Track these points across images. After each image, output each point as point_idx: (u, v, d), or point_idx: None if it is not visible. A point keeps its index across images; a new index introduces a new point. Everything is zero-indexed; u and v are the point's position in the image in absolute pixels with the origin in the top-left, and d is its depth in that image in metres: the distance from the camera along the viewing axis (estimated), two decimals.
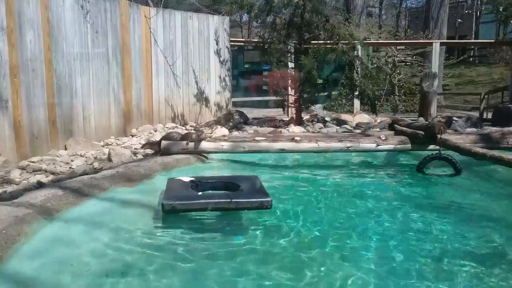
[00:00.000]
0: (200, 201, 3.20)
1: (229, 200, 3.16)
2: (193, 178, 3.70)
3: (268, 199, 3.17)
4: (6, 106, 4.64)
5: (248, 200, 3.21)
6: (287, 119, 8.81)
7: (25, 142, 4.91)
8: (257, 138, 5.45)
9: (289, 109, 9.41)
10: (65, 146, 5.52)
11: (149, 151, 5.46)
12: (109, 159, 5.02)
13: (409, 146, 5.35)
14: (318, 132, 7.45)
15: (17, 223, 2.75)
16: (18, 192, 3.65)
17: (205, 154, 5.34)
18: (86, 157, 5.20)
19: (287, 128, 7.51)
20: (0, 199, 3.47)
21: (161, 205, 3.09)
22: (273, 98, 10.48)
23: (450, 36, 15.76)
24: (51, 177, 4.29)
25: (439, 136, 4.93)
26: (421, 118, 7.68)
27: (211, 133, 6.98)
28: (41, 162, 4.80)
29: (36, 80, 5.08)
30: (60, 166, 4.70)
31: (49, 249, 2.62)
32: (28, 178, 4.21)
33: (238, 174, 4.32)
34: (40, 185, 3.90)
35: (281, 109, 10.82)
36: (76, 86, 5.82)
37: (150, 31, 7.55)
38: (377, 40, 13.33)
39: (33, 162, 4.75)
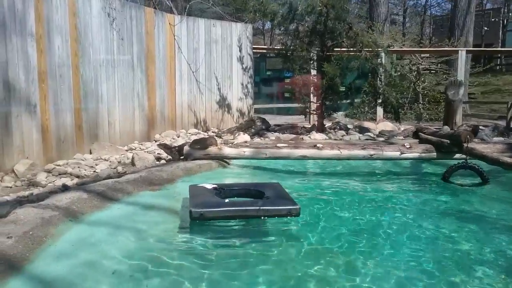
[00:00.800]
0: (229, 208, 3.12)
1: (258, 207, 3.09)
2: (216, 185, 3.65)
3: (297, 206, 3.11)
4: (34, 110, 4.75)
5: (276, 207, 3.14)
6: (309, 126, 8.78)
7: (51, 146, 5.01)
8: (278, 145, 5.44)
9: (311, 116, 9.38)
10: (90, 150, 5.62)
11: (168, 156, 5.51)
12: (133, 163, 5.08)
13: (434, 154, 5.25)
14: (341, 139, 7.39)
15: (43, 224, 2.81)
16: (44, 194, 3.73)
17: (227, 160, 5.35)
18: (110, 161, 5.28)
19: (309, 135, 7.48)
20: (27, 201, 3.55)
21: (188, 212, 3.02)
22: (295, 105, 10.47)
23: (476, 44, 15.48)
24: (76, 180, 4.37)
25: (465, 144, 4.82)
26: (446, 127, 7.56)
27: (232, 139, 7.01)
28: (66, 165, 4.89)
29: (63, 86, 5.19)
30: (85, 170, 4.78)
31: (75, 250, 2.65)
32: (54, 181, 4.30)
33: (259, 180, 4.31)
34: (65, 188, 3.97)
35: (303, 116, 10.79)
36: (101, 92, 5.93)
37: (175, 39, 7.65)
38: (401, 47, 13.19)
39: (58, 165, 4.85)
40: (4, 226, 2.73)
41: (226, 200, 3.31)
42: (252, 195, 3.57)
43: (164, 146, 5.65)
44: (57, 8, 5.06)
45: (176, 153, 5.29)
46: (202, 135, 7.58)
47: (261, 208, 3.08)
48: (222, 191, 3.57)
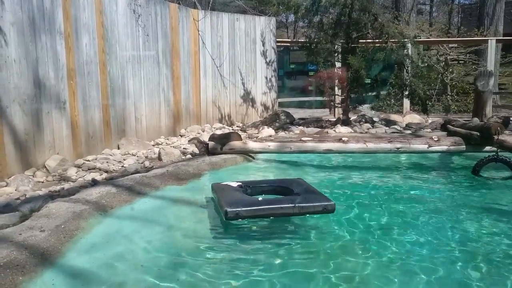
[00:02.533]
0: (264, 206, 3.03)
1: (293, 205, 3.02)
2: (240, 183, 3.57)
3: (332, 202, 3.06)
4: (64, 107, 4.87)
5: (312, 204, 3.07)
6: (334, 119, 8.70)
7: (81, 141, 5.13)
8: (303, 139, 5.42)
9: (336, 109, 9.29)
10: (118, 145, 5.73)
11: (196, 150, 5.56)
12: (159, 158, 5.16)
13: (463, 147, 5.14)
14: (366, 132, 7.31)
15: (74, 218, 2.89)
16: (75, 189, 3.82)
17: (252, 154, 5.37)
18: (137, 156, 5.37)
19: (334, 129, 7.42)
20: (59, 195, 3.65)
21: (224, 212, 2.94)
22: (320, 98, 10.40)
23: (507, 33, 14.95)
24: (104, 175, 4.46)
25: (496, 137, 4.70)
26: (476, 119, 7.38)
27: (257, 133, 7.02)
28: (95, 160, 5.00)
29: (91, 82, 5.30)
30: (113, 165, 4.87)
31: (105, 243, 2.72)
32: (83, 176, 4.40)
33: (287, 175, 4.30)
34: (94, 183, 4.06)
35: (327, 110, 10.70)
36: (128, 88, 6.02)
37: (199, 34, 7.69)
38: (428, 38, 12.91)
39: (88, 160, 4.96)
40: (37, 220, 2.82)
41: (260, 198, 3.21)
42: (278, 192, 3.52)
43: (197, 141, 5.73)
44: (84, 7, 5.15)
45: (206, 148, 5.32)
46: (227, 129, 7.62)
47: (297, 205, 3.02)
48: (248, 188, 3.51)
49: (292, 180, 3.76)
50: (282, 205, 3.05)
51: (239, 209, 2.94)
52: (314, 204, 3.08)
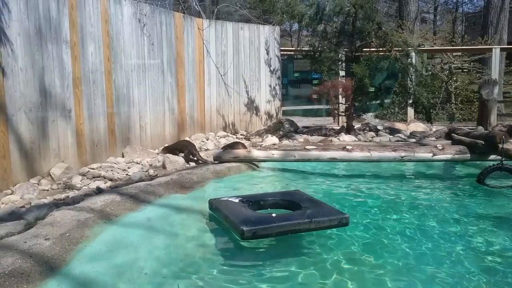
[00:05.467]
0: (281, 223, 2.86)
1: (309, 220, 2.90)
2: (240, 197, 3.42)
3: (346, 215, 2.99)
4: (69, 115, 4.90)
5: (327, 218, 2.95)
6: (338, 127, 8.71)
7: (86, 149, 5.15)
8: (307, 147, 5.42)
9: (340, 117, 9.29)
10: (123, 153, 5.75)
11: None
12: (164, 166, 5.17)
13: (468, 156, 5.12)
14: (370, 141, 7.30)
15: (79, 226, 2.89)
16: (79, 197, 3.84)
17: (256, 163, 5.37)
18: (142, 164, 5.38)
19: (338, 137, 7.42)
20: (64, 203, 3.66)
21: (240, 232, 2.77)
22: (323, 106, 10.41)
23: (511, 41, 14.97)
24: (109, 183, 4.47)
25: (500, 145, 4.69)
26: (480, 127, 7.36)
27: (261, 142, 7.03)
28: (100, 168, 5.02)
29: (97, 91, 5.33)
30: (118, 173, 4.89)
31: (109, 251, 2.72)
32: (88, 184, 4.41)
33: (290, 183, 4.27)
34: (99, 191, 4.07)
35: (331, 118, 10.71)
36: (133, 96, 6.05)
37: (203, 42, 7.74)
38: (432, 46, 12.92)
39: (92, 168, 4.98)
40: (42, 228, 2.83)
41: (273, 215, 3.04)
42: (283, 206, 3.42)
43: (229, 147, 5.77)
44: (90, 16, 5.20)
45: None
46: (231, 137, 7.63)
47: (313, 220, 2.90)
48: (250, 203, 3.35)
49: (292, 192, 3.68)
50: (299, 221, 2.90)
51: (256, 227, 2.76)
52: (330, 218, 2.97)
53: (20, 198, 3.84)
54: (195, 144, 6.08)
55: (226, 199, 3.41)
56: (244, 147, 5.45)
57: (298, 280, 2.47)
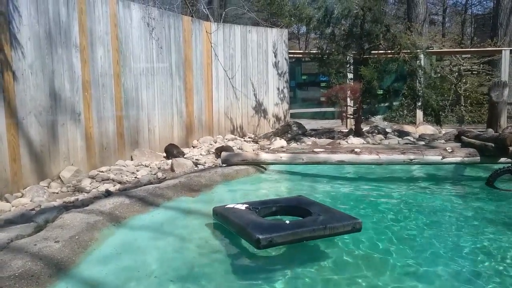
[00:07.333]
0: (297, 230, 2.79)
1: (324, 226, 2.84)
2: (246, 204, 3.31)
3: (359, 220, 2.94)
4: (79, 118, 4.94)
5: (341, 224, 2.90)
6: (346, 130, 8.68)
7: (95, 152, 5.18)
8: (315, 150, 5.42)
9: (348, 120, 9.26)
10: (131, 156, 5.77)
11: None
12: (172, 169, 5.18)
13: (477, 158, 5.08)
14: (379, 143, 7.26)
15: (88, 229, 2.91)
16: (89, 200, 3.86)
17: (264, 165, 5.37)
18: (150, 167, 5.40)
19: (346, 140, 7.39)
20: (73, 206, 3.69)
21: (255, 241, 2.66)
22: (331, 109, 10.38)
23: None
24: (118, 186, 4.50)
25: (511, 148, 4.64)
26: (490, 130, 7.30)
27: (269, 145, 7.03)
28: (109, 171, 5.04)
29: (106, 94, 5.37)
30: (127, 176, 4.91)
31: (118, 254, 2.73)
32: (97, 187, 4.44)
33: (298, 186, 4.25)
34: (108, 194, 4.10)
35: (339, 121, 10.68)
36: (142, 100, 6.08)
37: (211, 46, 7.76)
38: (441, 48, 12.85)
39: (101, 171, 5.01)
40: (52, 230, 2.85)
41: (287, 222, 2.97)
42: (290, 213, 3.36)
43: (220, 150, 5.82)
44: (99, 20, 5.24)
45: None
46: (239, 140, 7.64)
47: (328, 226, 2.84)
48: (257, 210, 3.26)
49: (295, 198, 3.62)
50: (314, 227, 2.83)
51: (272, 235, 2.66)
52: (343, 223, 2.91)
53: (30, 201, 3.88)
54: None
55: (231, 206, 3.30)
56: (232, 149, 5.45)
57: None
